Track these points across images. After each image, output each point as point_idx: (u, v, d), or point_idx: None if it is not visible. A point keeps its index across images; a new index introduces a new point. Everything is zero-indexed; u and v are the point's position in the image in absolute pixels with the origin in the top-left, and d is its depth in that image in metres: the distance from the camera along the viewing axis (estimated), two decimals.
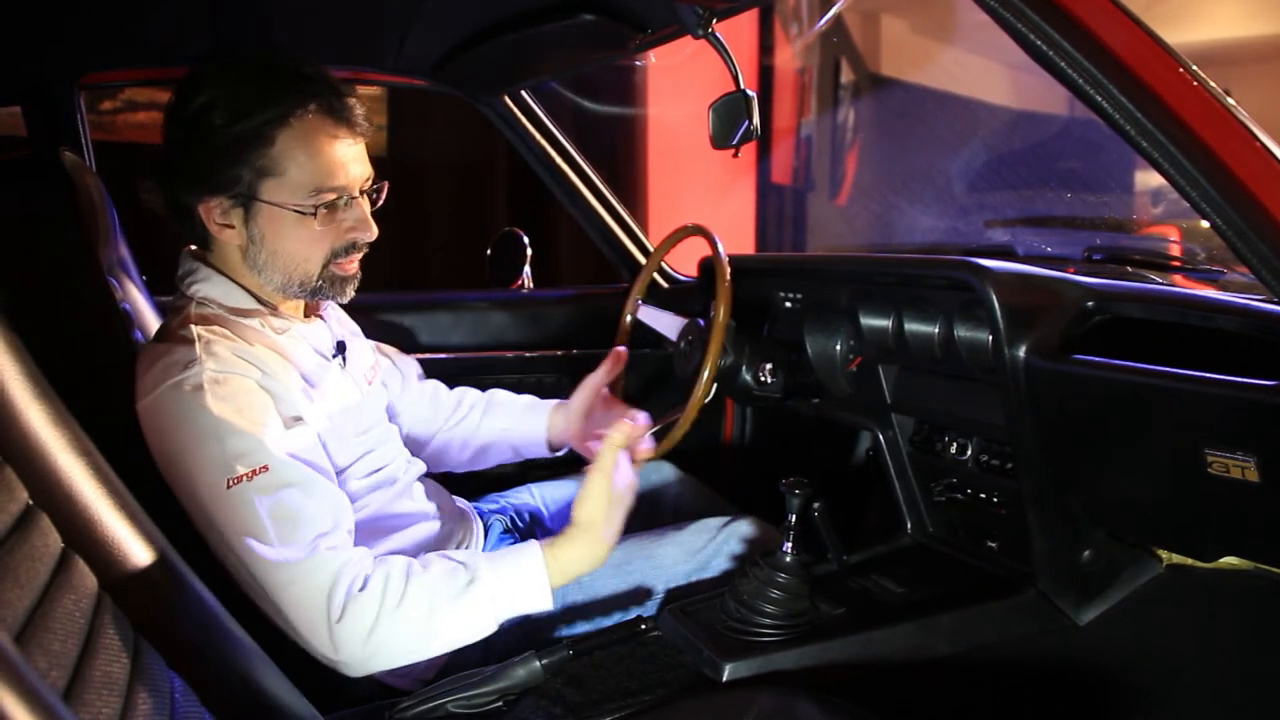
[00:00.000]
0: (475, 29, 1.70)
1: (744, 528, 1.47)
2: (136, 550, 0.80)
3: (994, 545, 1.49)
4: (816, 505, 1.31)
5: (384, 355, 1.56)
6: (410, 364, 1.62)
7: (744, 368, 1.64)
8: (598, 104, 4.21)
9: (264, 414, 1.09)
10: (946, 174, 5.03)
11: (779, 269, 1.90)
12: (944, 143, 5.14)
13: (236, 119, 1.11)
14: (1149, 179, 4.45)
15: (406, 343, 2.03)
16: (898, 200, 5.23)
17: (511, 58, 1.80)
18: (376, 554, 1.25)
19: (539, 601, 1.11)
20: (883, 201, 5.37)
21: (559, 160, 2.17)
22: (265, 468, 1.05)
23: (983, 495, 1.49)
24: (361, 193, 1.21)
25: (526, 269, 2.20)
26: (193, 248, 1.24)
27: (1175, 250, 2.39)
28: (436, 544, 1.34)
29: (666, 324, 1.77)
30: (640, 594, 1.38)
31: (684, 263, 2.21)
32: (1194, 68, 0.97)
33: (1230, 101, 0.97)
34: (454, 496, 1.49)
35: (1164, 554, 1.40)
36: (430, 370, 2.03)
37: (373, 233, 1.22)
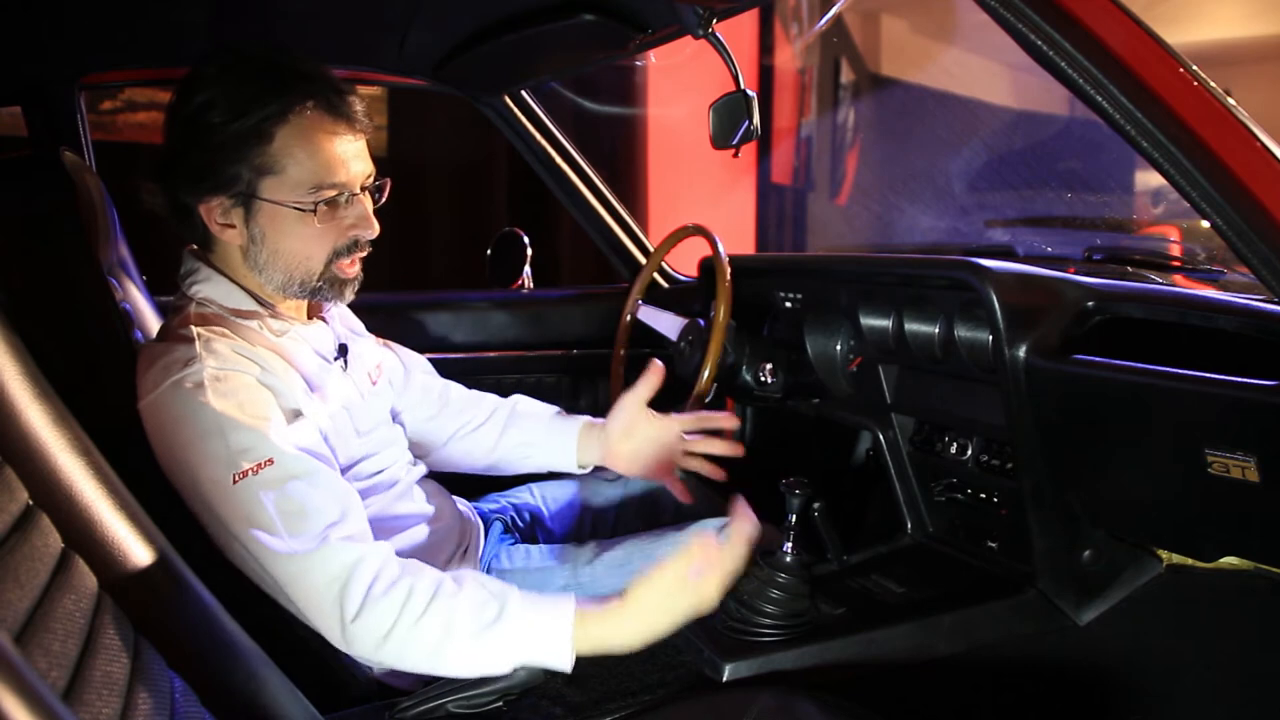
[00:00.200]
0: (476, 29, 1.70)
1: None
2: (136, 550, 0.80)
3: (994, 545, 1.49)
4: (817, 505, 1.31)
5: (389, 350, 1.54)
6: (416, 359, 1.61)
7: (744, 368, 1.64)
8: (598, 104, 4.21)
9: (266, 409, 1.09)
10: (947, 174, 5.03)
11: (779, 269, 1.90)
12: (944, 143, 5.14)
13: (235, 117, 1.11)
14: (1149, 179, 4.45)
15: (407, 343, 2.02)
16: (898, 200, 5.23)
17: (512, 58, 1.80)
18: None
19: (558, 663, 1.05)
20: (883, 201, 5.38)
21: (559, 160, 2.17)
22: (270, 461, 1.05)
23: (983, 495, 1.49)
24: (363, 189, 1.20)
25: (527, 269, 2.21)
26: (194, 247, 1.24)
27: (1175, 250, 2.39)
28: (436, 544, 1.34)
29: (667, 324, 1.78)
30: None
31: (684, 263, 2.21)
32: (1194, 68, 0.97)
33: (1230, 101, 0.97)
34: (454, 496, 1.49)
35: (1164, 554, 1.39)
36: None
37: (374, 230, 1.21)
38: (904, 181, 5.26)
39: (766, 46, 4.94)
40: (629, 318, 1.84)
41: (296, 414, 1.13)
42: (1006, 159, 5.07)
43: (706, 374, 1.53)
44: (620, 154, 4.30)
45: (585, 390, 2.15)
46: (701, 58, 1.73)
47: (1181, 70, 0.97)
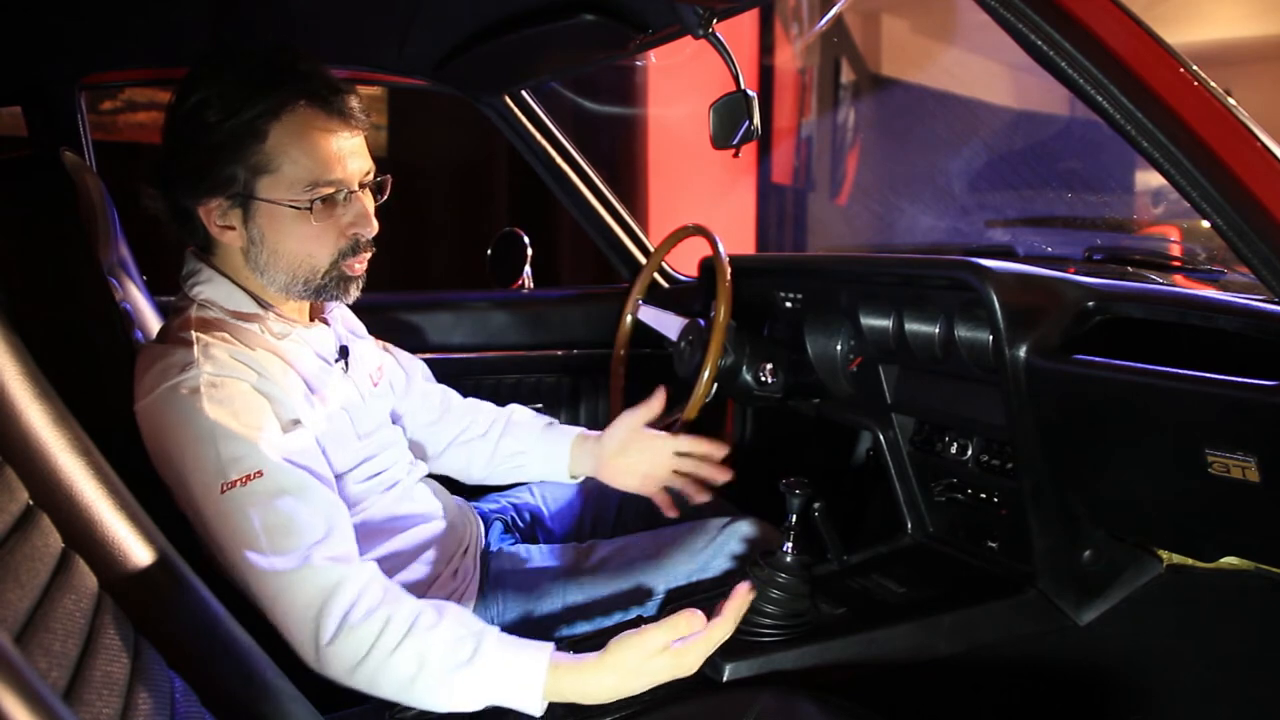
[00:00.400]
0: (476, 29, 1.70)
1: (744, 528, 1.47)
2: (137, 550, 0.80)
3: (994, 545, 1.49)
4: (817, 505, 1.31)
5: (389, 354, 1.55)
6: (416, 364, 1.61)
7: (744, 368, 1.64)
8: (598, 104, 4.21)
9: (260, 418, 1.08)
10: (947, 174, 5.03)
11: (779, 269, 1.90)
12: (944, 143, 5.14)
13: (228, 115, 1.10)
14: (1149, 179, 4.45)
15: (407, 343, 2.02)
16: (898, 200, 5.23)
17: (512, 58, 1.80)
18: (378, 556, 1.25)
19: (529, 707, 1.04)
20: (883, 201, 5.38)
21: (560, 160, 2.17)
22: (259, 473, 1.05)
23: (983, 495, 1.49)
24: (361, 187, 1.19)
25: (527, 269, 2.21)
26: (196, 249, 1.24)
27: (1176, 250, 2.39)
28: (437, 544, 1.34)
29: (667, 324, 1.78)
30: (640, 594, 1.38)
31: (684, 263, 2.21)
32: (1194, 68, 0.97)
33: (1231, 101, 0.97)
34: (454, 496, 1.49)
35: (1164, 554, 1.39)
36: (431, 370, 2.04)
37: (373, 228, 1.20)
38: (904, 181, 5.27)
39: (767, 46, 4.94)
40: (629, 318, 1.84)
41: (294, 422, 1.13)
42: (1007, 159, 5.07)
43: (706, 374, 1.53)
44: (620, 154, 4.31)
45: (585, 390, 2.15)
46: (702, 58, 1.73)
47: (1181, 70, 0.97)
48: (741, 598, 1.11)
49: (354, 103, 1.17)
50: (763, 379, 1.64)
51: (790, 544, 1.24)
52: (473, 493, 1.63)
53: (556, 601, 1.37)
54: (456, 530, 1.40)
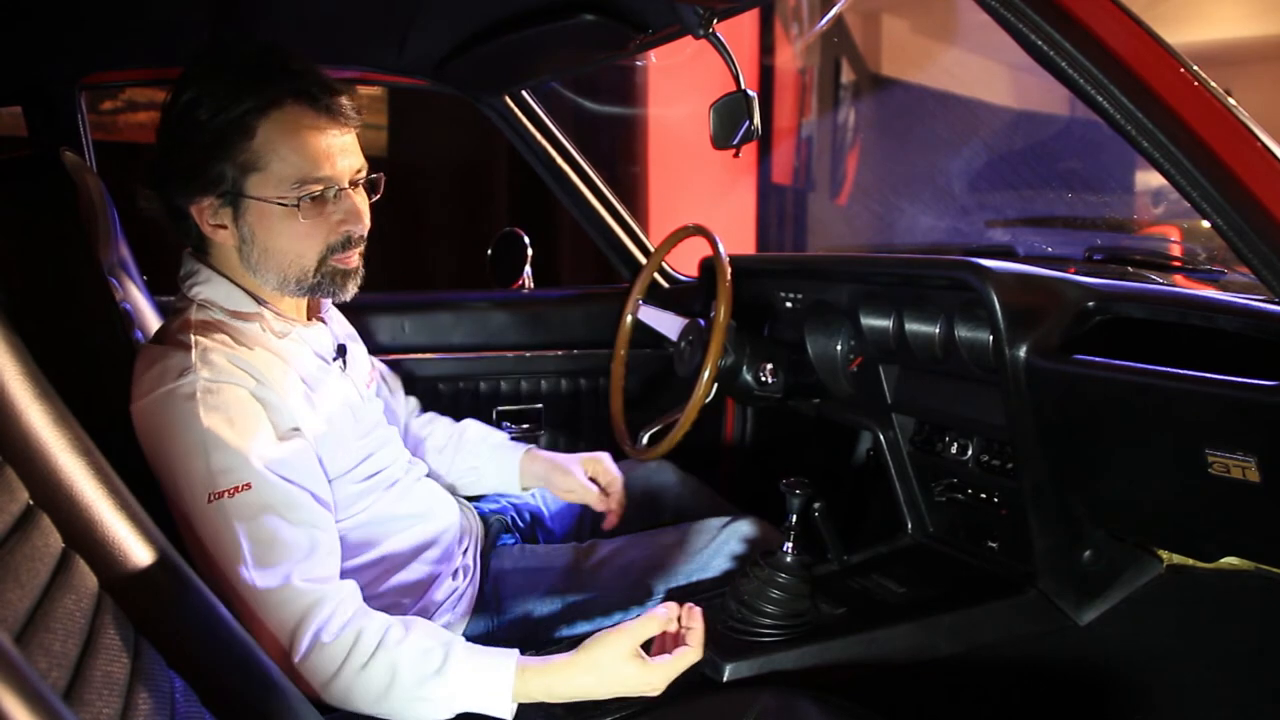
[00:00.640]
0: (476, 29, 1.70)
1: (744, 528, 1.47)
2: (137, 550, 0.80)
3: (994, 545, 1.49)
4: (817, 505, 1.31)
5: (374, 360, 1.56)
6: (398, 381, 1.63)
7: (745, 368, 1.64)
8: (598, 104, 4.21)
9: (255, 426, 1.08)
10: (947, 174, 5.02)
11: (780, 269, 1.90)
12: (944, 143, 5.14)
13: (216, 113, 1.10)
14: (1150, 179, 4.45)
15: (407, 343, 2.03)
16: (898, 200, 5.23)
17: (512, 58, 1.80)
18: (379, 555, 1.26)
19: (499, 711, 1.05)
20: (883, 201, 5.37)
21: (560, 160, 2.17)
22: (248, 485, 1.05)
23: (983, 495, 1.49)
24: (353, 184, 1.18)
25: (527, 269, 2.21)
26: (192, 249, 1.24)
27: (1176, 250, 2.39)
28: (438, 544, 1.34)
29: (667, 324, 1.78)
30: (640, 594, 1.38)
31: (684, 263, 2.21)
32: (1195, 68, 0.97)
33: (1231, 101, 0.97)
34: (454, 496, 1.49)
35: (1164, 554, 1.39)
36: (431, 370, 2.04)
37: (364, 225, 1.19)
38: (904, 181, 5.26)
39: (767, 46, 4.94)
40: (629, 318, 1.84)
41: (292, 430, 1.13)
42: (1007, 159, 5.06)
43: (707, 374, 1.53)
44: (620, 154, 4.30)
45: (585, 390, 2.15)
46: (702, 58, 1.73)
47: (1181, 70, 0.97)
48: (699, 621, 1.11)
49: (345, 100, 1.16)
50: (763, 379, 1.64)
51: (790, 544, 1.24)
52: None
53: (556, 601, 1.37)
54: (457, 530, 1.40)
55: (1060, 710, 1.31)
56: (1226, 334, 1.11)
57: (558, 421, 2.14)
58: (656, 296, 2.05)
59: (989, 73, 5.30)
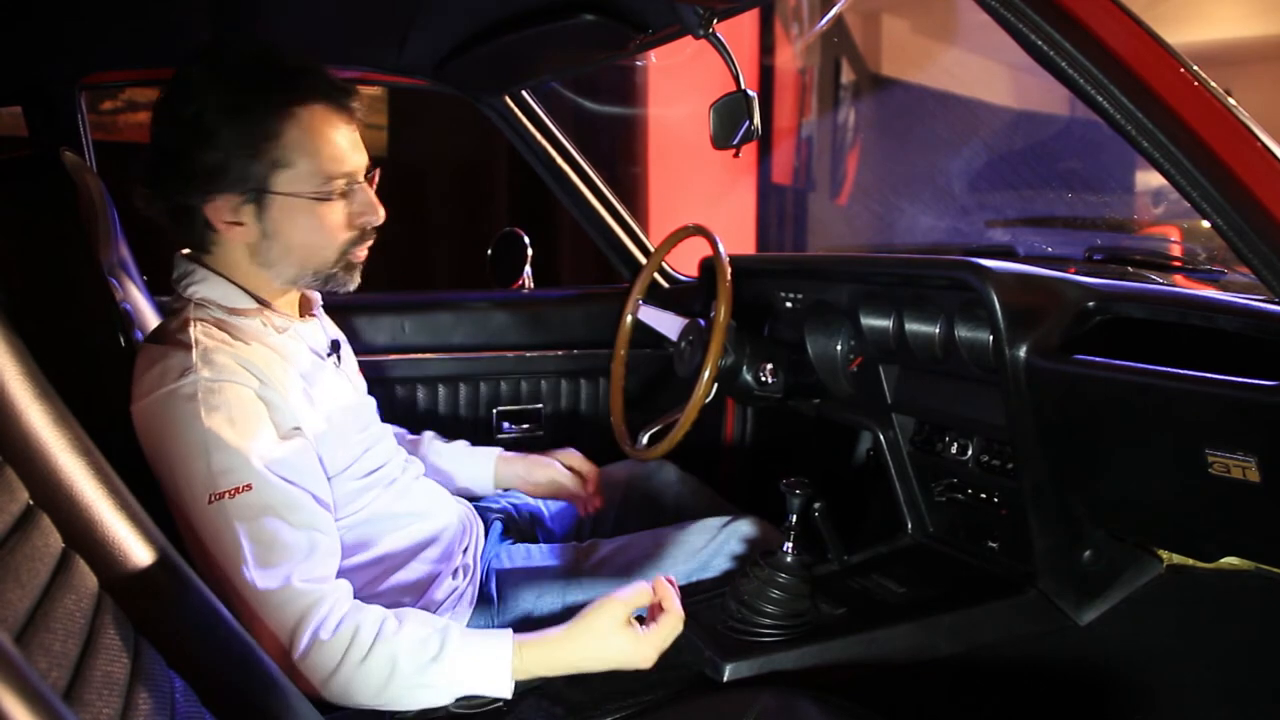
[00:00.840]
0: (476, 29, 1.70)
1: (744, 528, 1.47)
2: (137, 550, 0.80)
3: (994, 545, 1.49)
4: (817, 505, 1.31)
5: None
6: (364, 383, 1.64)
7: (745, 368, 1.64)
8: (598, 104, 4.21)
9: (256, 425, 1.09)
10: (947, 174, 5.02)
11: (780, 269, 1.90)
12: (944, 143, 5.14)
13: (241, 114, 1.12)
14: (1150, 179, 4.45)
15: (407, 343, 2.03)
16: (898, 200, 5.23)
17: (512, 58, 1.80)
18: (380, 554, 1.26)
19: (499, 690, 1.08)
20: (883, 201, 5.37)
21: (560, 160, 2.17)
22: (248, 486, 1.05)
23: (983, 495, 1.49)
24: (365, 178, 1.23)
25: (527, 269, 2.21)
26: (186, 251, 1.24)
27: (1176, 250, 2.39)
28: (438, 543, 1.34)
29: (667, 324, 1.78)
30: None
31: (685, 263, 2.21)
32: (1195, 68, 0.97)
33: (1231, 101, 0.97)
34: (454, 496, 1.49)
35: (1164, 554, 1.39)
36: (431, 370, 2.04)
37: (381, 215, 1.23)
38: (904, 181, 5.26)
39: (767, 46, 4.93)
40: (629, 318, 1.84)
41: (293, 430, 1.13)
42: (1007, 159, 5.06)
43: (707, 374, 1.53)
44: (620, 154, 4.30)
45: (585, 390, 2.15)
46: (702, 58, 1.73)
47: (1181, 70, 0.97)
48: (665, 587, 1.15)
49: (354, 100, 1.21)
50: (763, 379, 1.64)
51: (790, 544, 1.24)
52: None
53: (557, 601, 1.37)
54: (457, 529, 1.40)
55: (1060, 710, 1.31)
56: (1226, 334, 1.11)
57: (558, 421, 2.14)
58: (656, 296, 2.05)
59: (989, 73, 5.30)
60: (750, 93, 1.47)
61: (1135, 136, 0.96)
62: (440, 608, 1.30)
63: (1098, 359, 1.18)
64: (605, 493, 1.69)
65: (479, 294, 2.18)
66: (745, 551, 1.45)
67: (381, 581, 1.26)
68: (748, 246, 4.93)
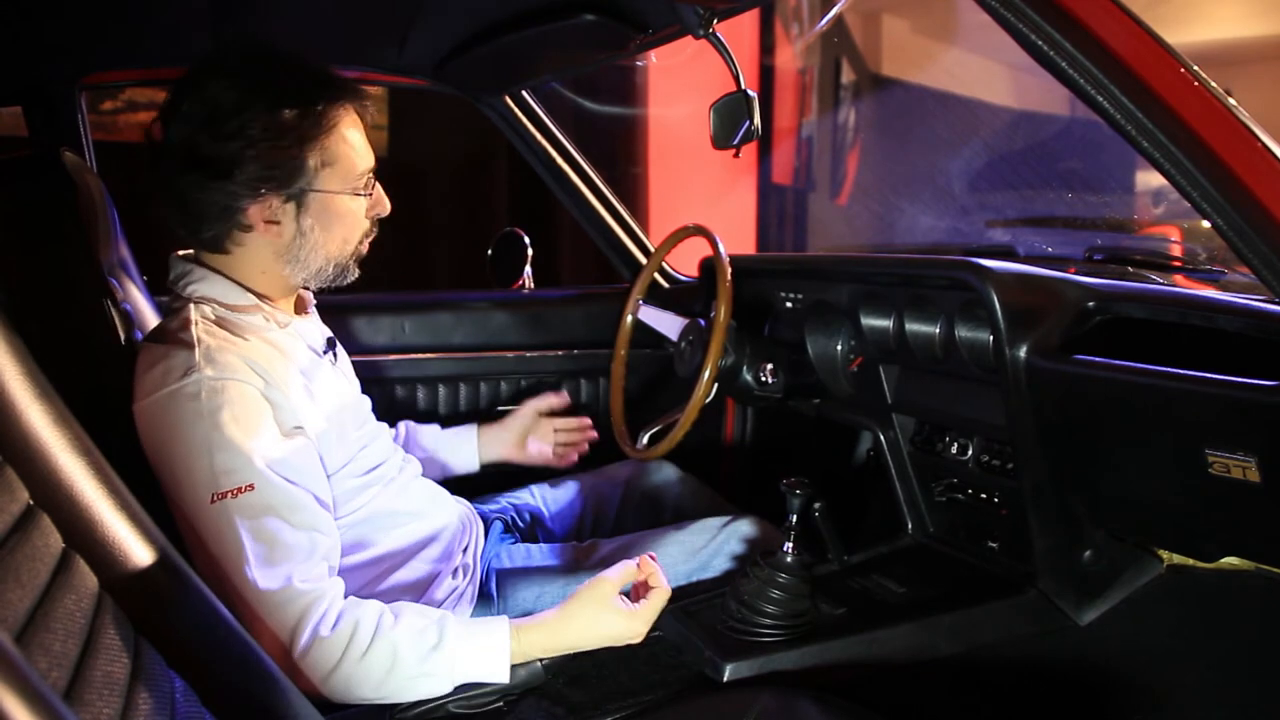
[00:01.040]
0: (476, 29, 1.70)
1: (745, 528, 1.47)
2: (137, 550, 0.80)
3: (995, 545, 1.49)
4: (817, 505, 1.31)
5: None
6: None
7: (745, 368, 1.64)
8: (598, 104, 4.21)
9: (259, 424, 1.09)
10: (947, 174, 5.02)
11: (780, 269, 1.90)
12: (945, 143, 5.14)
13: (303, 114, 1.15)
14: (1150, 179, 4.45)
15: (407, 343, 2.03)
16: (898, 200, 5.22)
17: (512, 58, 1.80)
18: (380, 553, 1.26)
19: (496, 675, 1.10)
20: (883, 201, 5.37)
21: (560, 160, 2.17)
22: (251, 486, 1.05)
23: (983, 495, 1.49)
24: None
25: (527, 269, 2.21)
26: (183, 252, 1.24)
27: (1176, 250, 2.39)
28: (438, 543, 1.34)
29: (667, 324, 1.77)
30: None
31: (685, 263, 2.21)
32: (1195, 68, 0.97)
33: (1231, 101, 0.97)
34: (454, 496, 1.49)
35: (1165, 554, 1.39)
36: (431, 370, 2.04)
37: (388, 207, 1.28)
38: (904, 181, 5.26)
39: (767, 46, 4.93)
40: (629, 318, 1.84)
41: (295, 429, 1.13)
42: (1007, 159, 5.06)
43: (707, 374, 1.53)
44: (620, 154, 4.30)
45: (585, 390, 2.15)
46: (702, 58, 1.73)
47: (1181, 70, 0.97)
48: (650, 564, 1.18)
49: (369, 101, 1.27)
50: (763, 379, 1.64)
51: (790, 544, 1.24)
52: (473, 492, 1.63)
53: (557, 600, 1.37)
54: (457, 529, 1.40)
55: (1060, 710, 1.31)
56: (1226, 334, 1.11)
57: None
58: (657, 296, 2.05)
59: (989, 73, 5.30)
60: (750, 93, 1.47)
61: (1135, 136, 0.96)
62: (440, 607, 1.30)
63: (1098, 359, 1.18)
64: (605, 492, 1.69)
65: (479, 294, 2.18)
66: (745, 551, 1.45)
67: (381, 581, 1.26)
68: (748, 246, 4.93)
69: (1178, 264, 1.75)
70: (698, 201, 4.41)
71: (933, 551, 1.56)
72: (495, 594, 1.39)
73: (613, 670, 1.20)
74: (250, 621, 1.04)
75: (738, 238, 4.80)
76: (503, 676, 1.10)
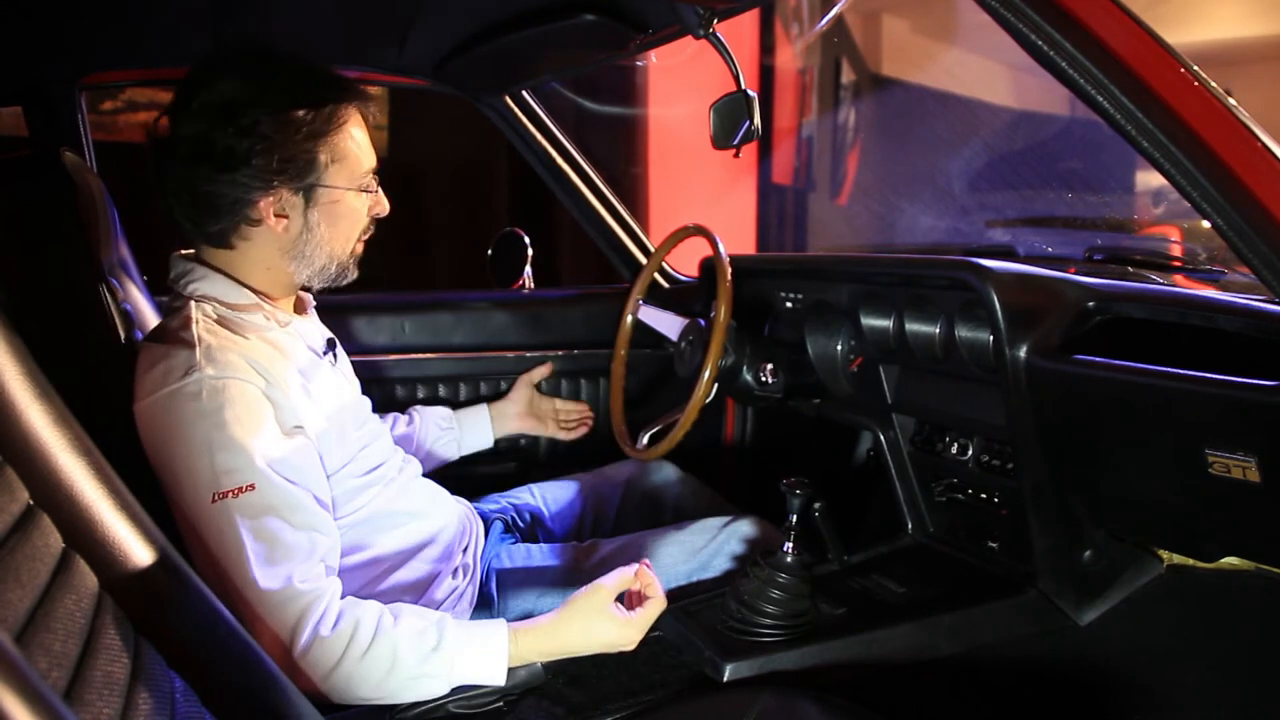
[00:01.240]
0: (476, 29, 1.70)
1: (745, 528, 1.47)
2: (137, 550, 0.80)
3: (995, 545, 1.49)
4: (817, 505, 1.31)
5: None
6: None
7: (745, 368, 1.64)
8: (598, 104, 4.21)
9: (260, 424, 1.09)
10: (947, 174, 5.02)
11: (780, 269, 1.90)
12: (945, 143, 5.14)
13: (317, 110, 1.17)
14: (1150, 179, 4.45)
15: (407, 343, 2.03)
16: (898, 200, 5.22)
17: (512, 58, 1.80)
18: (380, 553, 1.26)
19: (494, 678, 1.10)
20: (883, 201, 5.37)
21: (560, 160, 2.17)
22: (251, 486, 1.06)
23: (983, 495, 1.49)
24: None
25: (528, 269, 2.20)
26: (184, 251, 1.24)
27: (1176, 250, 2.38)
28: (438, 543, 1.34)
29: (667, 324, 1.78)
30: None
31: (685, 263, 2.21)
32: (1195, 68, 0.97)
33: (1231, 101, 0.97)
34: (454, 496, 1.49)
35: (1164, 554, 1.39)
36: (431, 370, 2.04)
37: (387, 207, 1.29)
38: (905, 181, 5.26)
39: (767, 46, 4.93)
40: (630, 318, 1.84)
41: (294, 428, 1.13)
42: (1007, 159, 5.06)
43: (707, 374, 1.53)
44: (620, 154, 4.30)
45: (585, 390, 2.15)
46: (702, 58, 1.73)
47: (1181, 70, 0.97)
48: (646, 573, 1.18)
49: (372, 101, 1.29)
50: (763, 379, 1.64)
51: (790, 544, 1.24)
52: (473, 493, 1.63)
53: (557, 601, 1.37)
54: (457, 529, 1.40)
55: (1060, 710, 1.31)
56: (1226, 334, 1.11)
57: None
58: (657, 296, 2.05)
59: (989, 73, 5.30)
60: (750, 93, 1.47)
61: (1135, 136, 0.96)
62: (440, 607, 1.30)
63: (1098, 359, 1.18)
64: (605, 492, 1.69)
65: (479, 294, 2.18)
66: (745, 551, 1.45)
67: (381, 581, 1.26)
68: (748, 246, 4.93)
69: (1178, 264, 1.75)
70: (698, 201, 4.41)
71: (933, 551, 1.56)
72: (495, 594, 1.39)
73: (612, 670, 1.20)
74: (250, 621, 1.04)
75: (738, 238, 4.80)
76: (500, 679, 1.10)
